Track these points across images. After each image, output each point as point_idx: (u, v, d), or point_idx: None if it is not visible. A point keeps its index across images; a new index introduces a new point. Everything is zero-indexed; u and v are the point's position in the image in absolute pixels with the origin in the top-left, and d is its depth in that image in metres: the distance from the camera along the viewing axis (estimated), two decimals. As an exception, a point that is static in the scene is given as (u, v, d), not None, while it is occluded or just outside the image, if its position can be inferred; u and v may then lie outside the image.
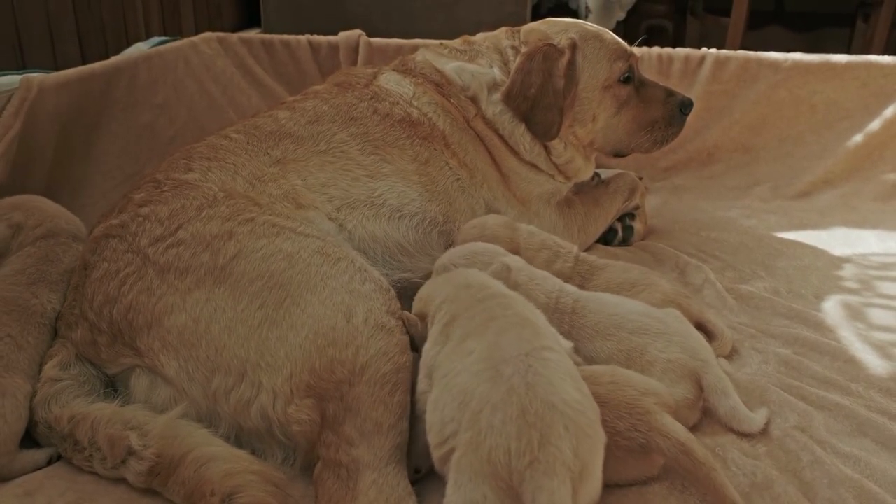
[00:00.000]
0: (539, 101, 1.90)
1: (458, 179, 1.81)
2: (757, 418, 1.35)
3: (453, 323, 1.19)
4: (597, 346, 1.41)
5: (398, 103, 1.85)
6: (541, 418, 0.95)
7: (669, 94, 2.04)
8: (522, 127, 1.95)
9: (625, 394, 1.18)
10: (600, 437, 1.03)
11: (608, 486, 1.17)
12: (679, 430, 1.16)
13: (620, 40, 2.03)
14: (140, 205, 1.42)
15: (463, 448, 0.98)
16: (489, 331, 1.11)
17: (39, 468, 1.28)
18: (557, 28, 1.99)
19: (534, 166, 2.00)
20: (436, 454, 1.06)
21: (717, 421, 1.36)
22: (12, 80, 2.05)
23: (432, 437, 1.07)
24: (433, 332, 1.22)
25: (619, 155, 2.12)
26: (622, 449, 1.15)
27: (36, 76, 2.05)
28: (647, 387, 1.22)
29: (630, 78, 2.00)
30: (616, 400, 1.17)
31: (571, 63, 1.91)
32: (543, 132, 1.94)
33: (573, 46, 1.93)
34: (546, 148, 1.99)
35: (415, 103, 1.87)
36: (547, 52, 1.91)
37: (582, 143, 2.04)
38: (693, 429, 1.36)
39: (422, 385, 1.20)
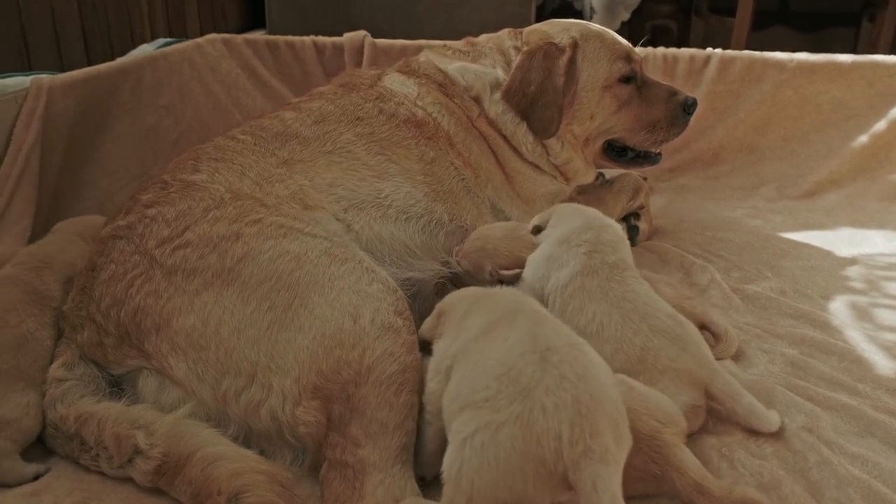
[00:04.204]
0: (538, 98, 1.90)
1: (464, 179, 1.81)
2: (773, 416, 1.34)
3: (468, 316, 1.19)
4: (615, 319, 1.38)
5: (403, 103, 1.85)
6: (591, 411, 0.96)
7: (672, 93, 2.03)
8: (524, 126, 1.95)
9: (644, 424, 1.16)
10: (628, 442, 1.03)
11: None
12: (695, 468, 1.15)
13: (623, 40, 2.03)
14: (147, 206, 1.42)
15: (509, 418, 0.96)
16: (519, 321, 1.11)
17: (24, 482, 1.25)
18: (559, 28, 2.00)
19: (536, 167, 2.00)
20: (446, 409, 1.04)
21: (736, 422, 1.34)
22: (20, 81, 2.06)
23: (459, 402, 1.03)
24: (448, 330, 1.21)
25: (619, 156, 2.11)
26: (632, 478, 1.13)
27: (45, 78, 2.06)
28: (668, 415, 1.21)
29: (631, 78, 1.99)
30: (634, 430, 1.13)
31: (572, 61, 1.92)
32: (542, 129, 1.94)
33: (574, 45, 1.93)
34: (544, 147, 1.99)
35: (419, 103, 1.87)
36: (548, 51, 1.91)
37: (580, 141, 2.03)
38: (700, 429, 1.36)
39: (431, 385, 1.19)
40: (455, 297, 1.30)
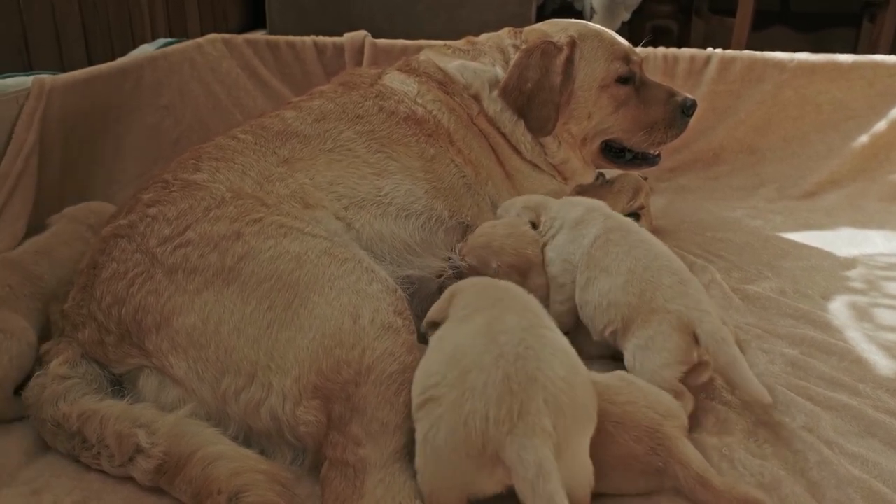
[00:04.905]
0: (535, 96, 1.91)
1: (464, 176, 1.81)
2: (758, 382, 1.32)
3: (454, 298, 1.24)
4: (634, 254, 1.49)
5: (403, 101, 1.85)
6: (523, 388, 0.98)
7: (671, 94, 2.02)
8: (523, 125, 1.95)
9: (645, 416, 1.18)
10: (582, 418, 1.05)
11: (616, 494, 1.17)
12: (698, 461, 1.16)
13: (622, 41, 2.03)
14: (148, 205, 1.42)
15: (447, 407, 1.01)
16: (495, 308, 1.16)
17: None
18: (559, 27, 2.01)
19: (535, 165, 2.00)
20: (414, 402, 1.10)
21: (716, 370, 1.38)
22: (21, 81, 2.06)
23: (414, 388, 1.11)
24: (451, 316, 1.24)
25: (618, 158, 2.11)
26: (635, 471, 1.15)
27: (46, 78, 2.06)
28: (668, 409, 1.22)
29: (629, 79, 1.99)
30: (634, 422, 1.17)
31: (569, 60, 1.92)
32: (538, 127, 1.95)
33: (572, 44, 1.93)
34: (541, 146, 1.99)
35: (419, 101, 1.88)
36: (545, 49, 1.92)
37: (577, 140, 2.03)
38: (699, 427, 1.36)
39: None
40: (467, 283, 1.32)
